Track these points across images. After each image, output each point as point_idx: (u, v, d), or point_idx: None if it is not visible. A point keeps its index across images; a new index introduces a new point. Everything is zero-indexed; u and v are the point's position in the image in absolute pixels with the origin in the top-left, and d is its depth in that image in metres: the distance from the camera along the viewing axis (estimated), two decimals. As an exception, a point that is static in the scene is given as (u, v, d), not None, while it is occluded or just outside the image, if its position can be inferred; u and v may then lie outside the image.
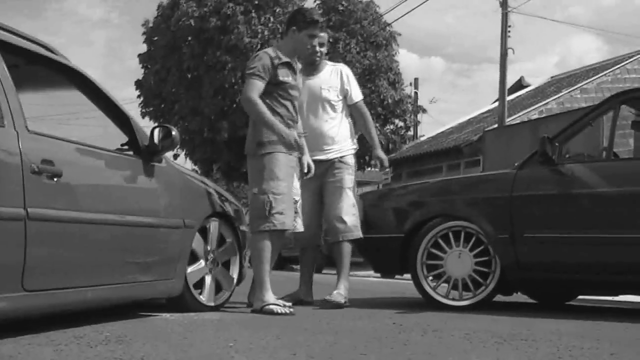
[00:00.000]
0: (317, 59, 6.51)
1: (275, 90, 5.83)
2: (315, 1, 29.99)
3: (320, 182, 6.46)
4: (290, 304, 5.85)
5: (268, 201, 5.64)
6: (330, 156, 6.47)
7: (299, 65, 6.18)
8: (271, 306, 5.58)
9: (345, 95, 6.59)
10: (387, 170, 7.05)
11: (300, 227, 6.05)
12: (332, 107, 6.52)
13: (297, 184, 6.03)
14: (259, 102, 5.74)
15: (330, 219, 6.46)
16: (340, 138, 6.53)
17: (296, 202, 5.97)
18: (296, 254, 6.92)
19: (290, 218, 5.77)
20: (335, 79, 6.57)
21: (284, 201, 5.69)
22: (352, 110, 6.68)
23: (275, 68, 5.80)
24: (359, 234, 6.48)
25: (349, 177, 6.51)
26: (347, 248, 6.48)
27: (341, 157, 6.50)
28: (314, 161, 6.29)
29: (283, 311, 5.52)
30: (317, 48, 6.11)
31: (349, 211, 6.44)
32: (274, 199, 5.65)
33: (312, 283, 6.75)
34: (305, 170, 6.13)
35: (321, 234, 6.66)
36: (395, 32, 30.17)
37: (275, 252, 5.86)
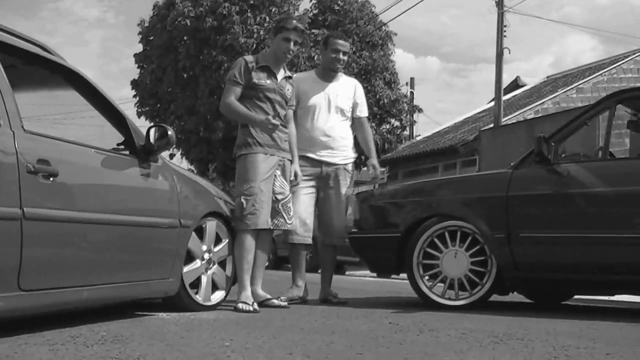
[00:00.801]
0: (339, 66, 6.88)
1: (251, 93, 6.08)
2: (310, 1, 30.04)
3: (324, 183, 6.74)
4: (285, 300, 6.22)
5: (240, 203, 5.87)
6: (337, 160, 6.76)
7: (285, 72, 6.33)
8: (239, 304, 5.75)
9: (354, 108, 6.92)
10: (382, 170, 7.28)
11: (286, 226, 6.19)
12: (344, 114, 6.84)
13: (282, 183, 6.12)
14: (233, 102, 6.04)
15: (334, 223, 6.79)
16: (347, 144, 6.85)
17: (278, 200, 6.06)
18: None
19: (264, 218, 5.90)
20: (349, 91, 6.93)
21: (256, 202, 5.86)
22: (355, 122, 6.98)
23: (251, 72, 6.05)
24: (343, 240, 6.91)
25: (349, 185, 6.89)
26: (335, 252, 6.98)
27: (345, 164, 6.81)
28: (322, 162, 6.69)
29: (247, 309, 5.68)
30: (291, 49, 6.20)
31: (343, 219, 6.83)
32: (246, 200, 5.86)
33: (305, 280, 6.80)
34: (292, 178, 6.27)
35: (312, 233, 6.74)
36: (391, 31, 30.23)
37: (262, 250, 6.08)
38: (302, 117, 6.71)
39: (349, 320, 5.20)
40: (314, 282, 7.12)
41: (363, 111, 6.99)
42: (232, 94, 6.05)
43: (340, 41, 6.88)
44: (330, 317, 5.40)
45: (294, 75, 6.73)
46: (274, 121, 5.89)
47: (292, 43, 6.15)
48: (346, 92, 6.88)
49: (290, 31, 6.14)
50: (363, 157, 28.26)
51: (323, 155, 6.68)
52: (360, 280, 13.42)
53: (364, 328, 4.77)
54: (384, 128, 29.23)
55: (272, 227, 6.05)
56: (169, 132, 4.99)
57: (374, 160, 6.97)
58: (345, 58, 6.91)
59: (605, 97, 6.21)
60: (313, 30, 27.30)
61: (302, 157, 6.57)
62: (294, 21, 6.28)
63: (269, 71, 6.13)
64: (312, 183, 6.67)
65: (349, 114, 6.88)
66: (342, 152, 6.78)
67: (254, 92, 6.06)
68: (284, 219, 6.11)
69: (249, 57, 6.22)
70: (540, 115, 22.54)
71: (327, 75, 6.89)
